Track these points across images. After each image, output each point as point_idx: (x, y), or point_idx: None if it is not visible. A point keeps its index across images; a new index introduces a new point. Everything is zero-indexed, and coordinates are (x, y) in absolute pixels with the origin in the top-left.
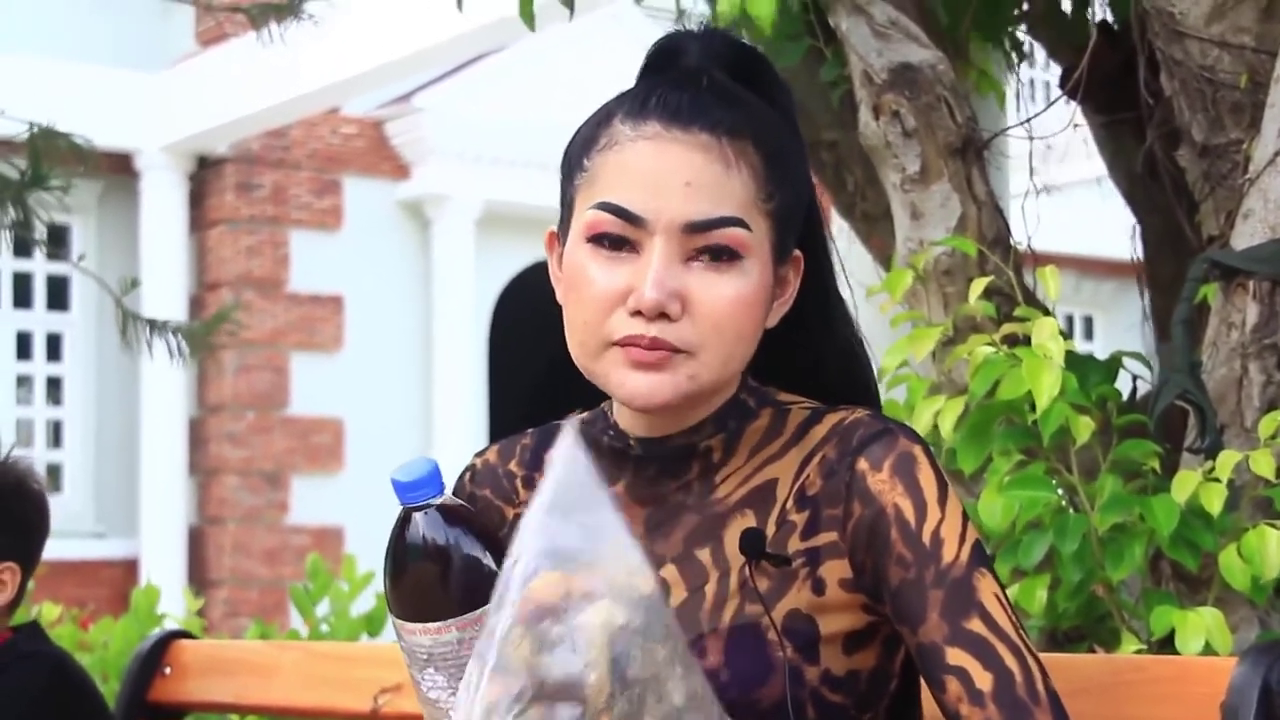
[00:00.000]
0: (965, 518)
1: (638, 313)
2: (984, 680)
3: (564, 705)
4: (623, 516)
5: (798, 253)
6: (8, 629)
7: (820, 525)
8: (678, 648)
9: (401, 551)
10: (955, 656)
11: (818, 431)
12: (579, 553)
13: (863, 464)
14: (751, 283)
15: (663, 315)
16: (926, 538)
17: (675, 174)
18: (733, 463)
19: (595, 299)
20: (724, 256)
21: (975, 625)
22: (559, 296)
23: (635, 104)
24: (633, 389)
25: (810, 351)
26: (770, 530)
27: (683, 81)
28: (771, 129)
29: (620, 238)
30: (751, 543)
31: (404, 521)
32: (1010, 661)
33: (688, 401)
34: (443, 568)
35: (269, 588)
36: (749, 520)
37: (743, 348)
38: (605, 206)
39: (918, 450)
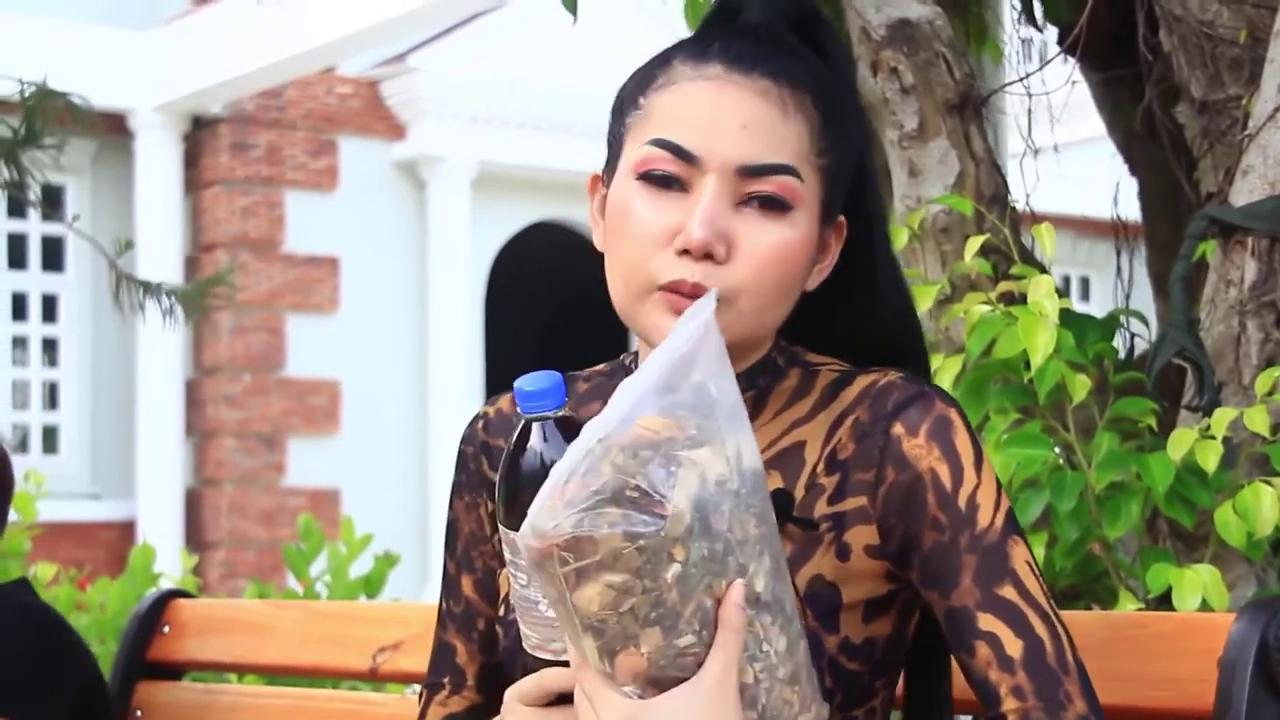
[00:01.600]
0: (999, 484)
1: (684, 253)
2: (1014, 647)
3: (642, 515)
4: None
5: (842, 218)
6: None
7: (849, 490)
8: (771, 542)
9: (518, 462)
10: (986, 622)
11: (848, 394)
12: (694, 405)
13: (898, 428)
14: (799, 235)
15: (708, 257)
16: (963, 502)
17: (732, 115)
18: (758, 421)
19: (641, 237)
20: (774, 205)
21: (1008, 592)
22: (597, 241)
23: (698, 48)
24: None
25: (856, 322)
26: (798, 493)
27: (746, 32)
28: (830, 87)
29: (671, 175)
30: (780, 504)
31: (523, 432)
32: (1041, 630)
33: None
34: None
35: (266, 549)
36: (776, 482)
37: (781, 301)
38: (659, 143)
39: (954, 414)
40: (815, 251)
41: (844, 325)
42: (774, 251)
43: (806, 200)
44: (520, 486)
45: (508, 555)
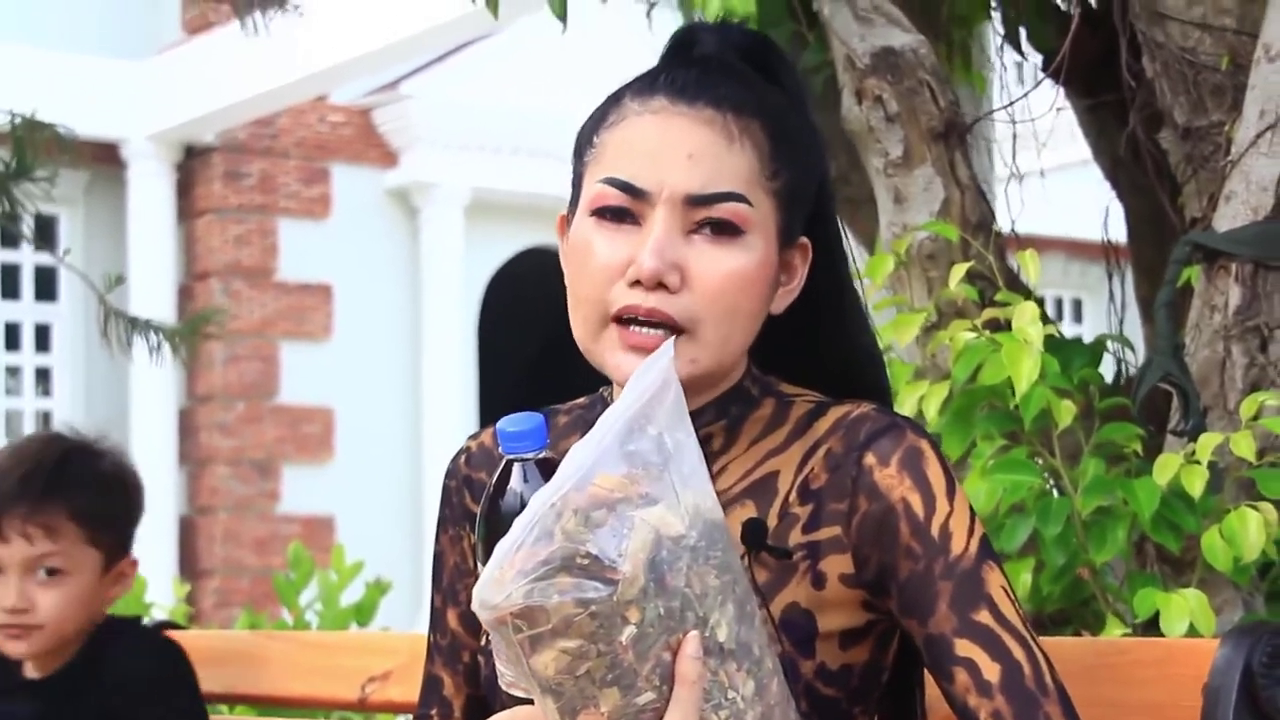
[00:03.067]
0: (972, 511)
1: (637, 283)
2: (992, 671)
3: (592, 582)
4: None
5: (805, 240)
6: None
7: (823, 519)
8: (735, 588)
9: (498, 503)
10: (963, 648)
11: (822, 425)
12: (650, 462)
13: (870, 458)
14: (753, 259)
15: (661, 286)
16: (935, 530)
17: (678, 146)
18: (733, 451)
19: (597, 271)
20: (725, 230)
21: (983, 617)
22: (566, 279)
23: (645, 82)
24: (628, 372)
25: (823, 347)
26: (772, 522)
27: (694, 63)
28: (780, 111)
29: (623, 210)
30: (753, 533)
31: (504, 472)
32: (1018, 653)
33: (688, 385)
34: None
35: (260, 577)
36: (749, 511)
37: (742, 327)
38: (610, 181)
39: (925, 444)
40: (776, 274)
41: (821, 351)
42: (728, 277)
43: (759, 224)
44: (499, 527)
45: None
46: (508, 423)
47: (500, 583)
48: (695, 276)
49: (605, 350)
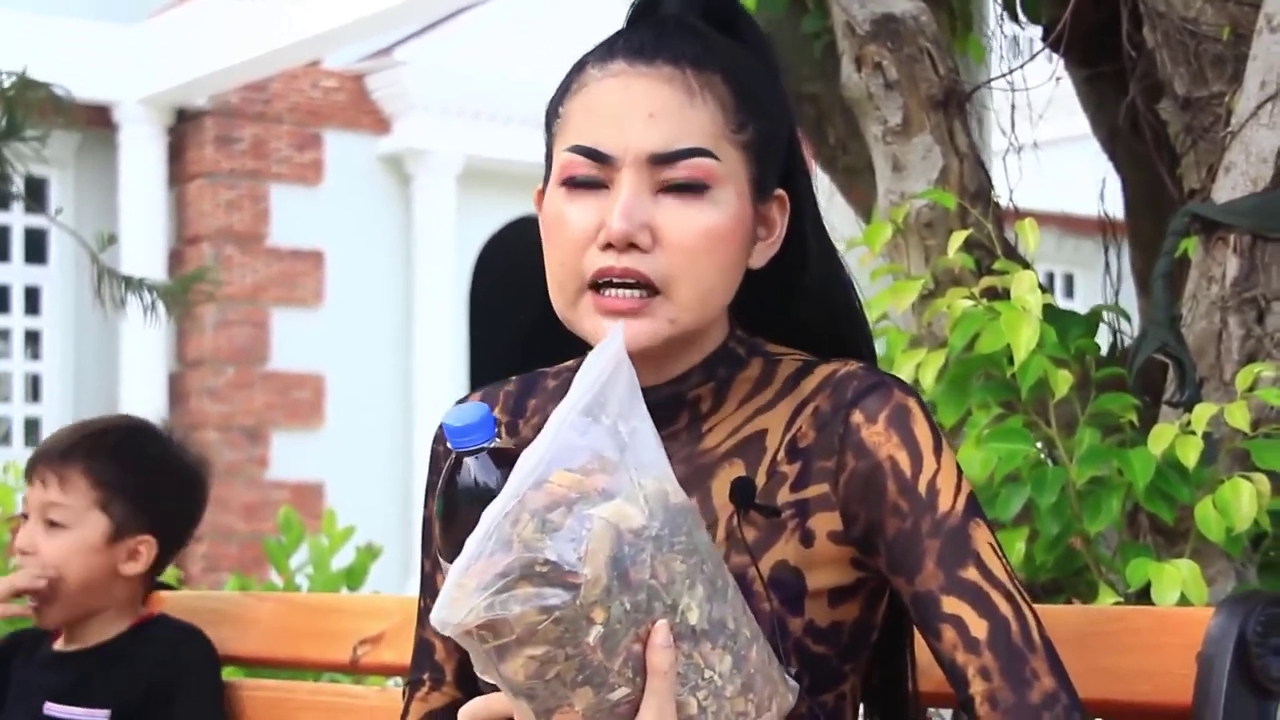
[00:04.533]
0: (959, 469)
1: (609, 246)
2: (979, 628)
3: (552, 589)
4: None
5: (781, 192)
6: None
7: (811, 477)
8: (704, 567)
9: (454, 496)
10: (951, 605)
11: (809, 383)
12: (605, 454)
13: (857, 416)
14: (725, 214)
15: (633, 247)
16: (923, 488)
17: (638, 106)
18: (721, 412)
19: (569, 239)
20: (691, 188)
21: (970, 574)
22: (544, 251)
23: (604, 47)
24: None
25: (806, 302)
26: (760, 481)
27: (652, 25)
28: (742, 64)
29: (591, 176)
30: (742, 492)
31: (455, 466)
32: (1005, 609)
33: (668, 347)
34: None
35: (249, 542)
36: (738, 470)
37: (720, 282)
38: (575, 149)
39: (912, 402)
40: (752, 228)
41: (792, 305)
42: (700, 234)
43: (728, 177)
44: (454, 520)
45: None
46: (452, 417)
47: (458, 601)
48: (666, 235)
49: (583, 317)
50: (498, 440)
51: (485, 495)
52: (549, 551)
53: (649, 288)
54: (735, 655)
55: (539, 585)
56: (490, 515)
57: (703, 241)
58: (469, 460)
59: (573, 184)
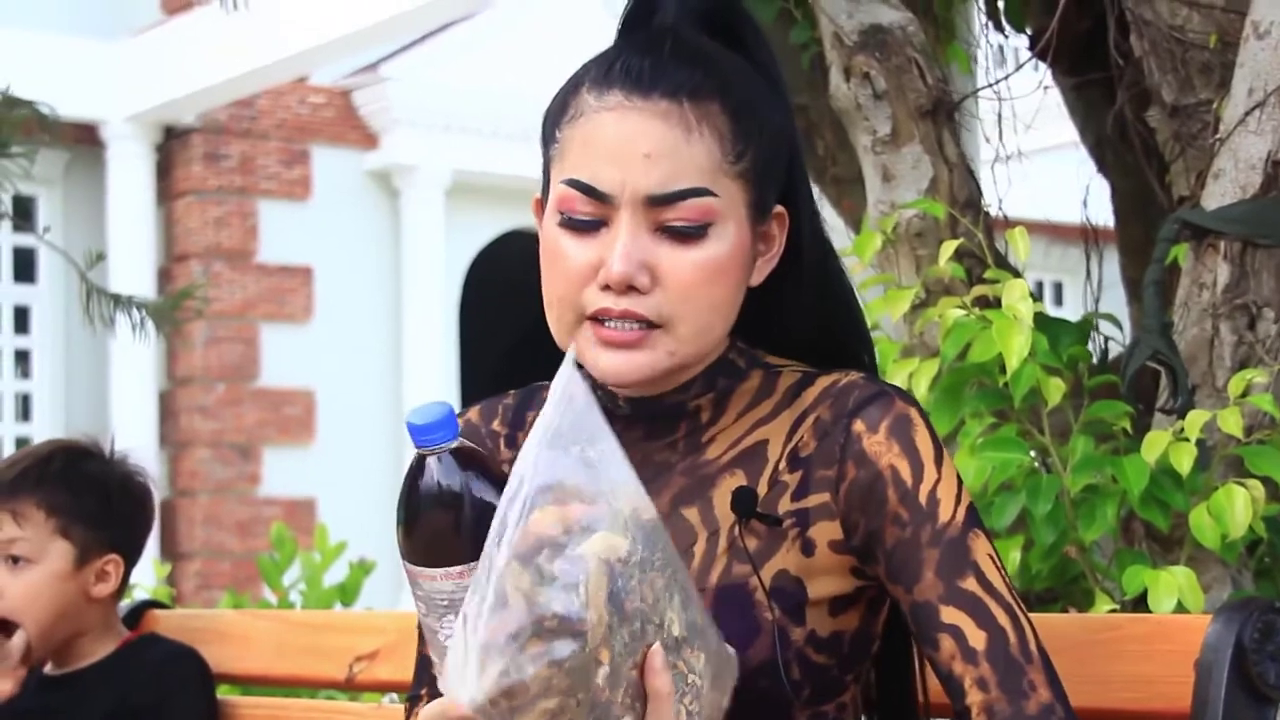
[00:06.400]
0: (959, 480)
1: (608, 286)
2: (977, 639)
3: (562, 641)
4: (621, 447)
5: (780, 208)
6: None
7: (812, 486)
8: (677, 576)
9: (415, 497)
10: (949, 615)
11: (810, 393)
12: (579, 485)
13: (858, 426)
14: (725, 249)
15: (632, 289)
16: (923, 498)
17: (635, 145)
18: (722, 422)
19: (568, 275)
20: (691, 227)
21: (969, 584)
22: (542, 274)
23: (600, 72)
24: (605, 368)
25: (806, 314)
26: (761, 490)
27: (648, 44)
28: (740, 81)
29: (590, 216)
30: (743, 501)
31: (418, 466)
32: (1003, 620)
33: (667, 376)
34: (457, 512)
35: (241, 560)
36: (739, 480)
37: (720, 315)
38: (572, 184)
39: (913, 412)
40: (751, 252)
41: (794, 316)
42: (699, 274)
43: (727, 211)
44: (416, 522)
45: (410, 585)
46: (416, 416)
47: (470, 672)
48: (665, 275)
49: (582, 348)
50: (462, 440)
51: (448, 498)
52: (555, 603)
53: (648, 324)
54: (706, 650)
55: (549, 640)
56: (480, 573)
57: (702, 280)
58: (431, 461)
59: (570, 220)
